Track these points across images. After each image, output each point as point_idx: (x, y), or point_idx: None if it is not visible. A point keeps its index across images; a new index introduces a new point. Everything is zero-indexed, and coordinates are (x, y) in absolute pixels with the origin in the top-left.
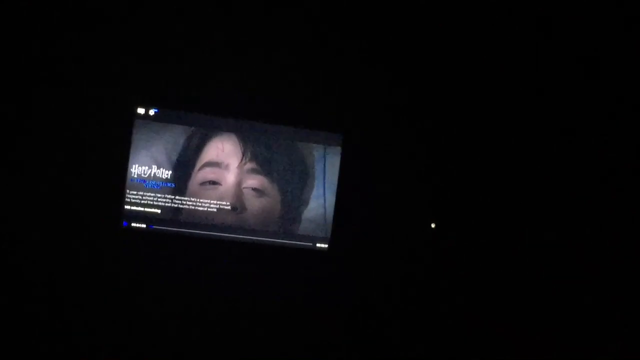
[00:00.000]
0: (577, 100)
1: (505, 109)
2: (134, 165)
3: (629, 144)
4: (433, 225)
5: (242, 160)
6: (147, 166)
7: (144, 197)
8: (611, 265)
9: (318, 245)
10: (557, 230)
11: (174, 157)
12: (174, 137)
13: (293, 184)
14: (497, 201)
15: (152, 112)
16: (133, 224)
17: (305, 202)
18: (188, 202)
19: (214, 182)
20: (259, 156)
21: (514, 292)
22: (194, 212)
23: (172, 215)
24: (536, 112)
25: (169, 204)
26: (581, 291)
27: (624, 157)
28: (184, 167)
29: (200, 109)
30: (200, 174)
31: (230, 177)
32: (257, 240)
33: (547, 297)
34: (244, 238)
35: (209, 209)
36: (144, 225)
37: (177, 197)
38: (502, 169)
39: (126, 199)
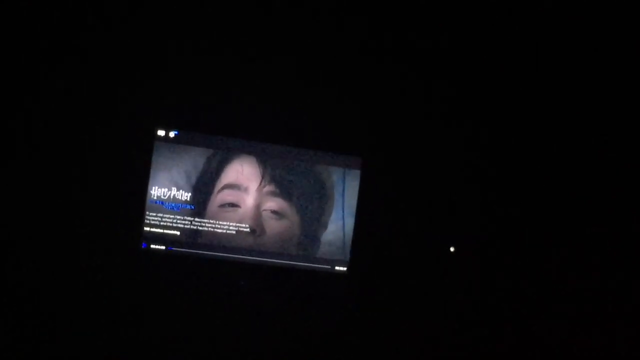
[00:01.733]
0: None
1: (526, 130)
2: (153, 187)
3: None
4: (452, 249)
5: (261, 182)
6: (166, 188)
7: (163, 219)
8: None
9: (337, 268)
10: (577, 252)
11: (194, 179)
12: (194, 159)
13: (312, 207)
14: (517, 226)
15: (172, 134)
16: (152, 246)
17: (324, 225)
18: (207, 224)
19: (233, 205)
20: (278, 179)
21: (536, 316)
22: (212, 234)
23: (191, 237)
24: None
25: (188, 226)
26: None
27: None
28: (203, 189)
29: (220, 132)
30: (220, 196)
31: (249, 200)
32: (275, 262)
33: (571, 324)
34: (262, 260)
35: (228, 231)
36: (163, 247)
37: (196, 219)
38: (520, 192)
39: (146, 221)
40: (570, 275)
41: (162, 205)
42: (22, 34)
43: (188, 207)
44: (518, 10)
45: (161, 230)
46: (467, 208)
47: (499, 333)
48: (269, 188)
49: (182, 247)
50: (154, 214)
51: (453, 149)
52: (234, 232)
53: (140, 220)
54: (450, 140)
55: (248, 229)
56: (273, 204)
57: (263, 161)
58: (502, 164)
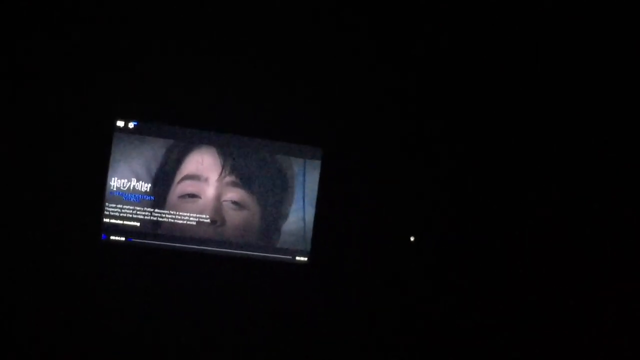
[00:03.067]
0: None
1: (484, 119)
2: (113, 178)
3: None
4: (412, 239)
5: (221, 173)
6: (126, 179)
7: (122, 210)
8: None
9: (298, 258)
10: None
11: (154, 170)
12: (154, 150)
13: (273, 197)
14: (477, 214)
15: (131, 124)
16: (112, 237)
17: (284, 216)
18: (167, 215)
19: (193, 195)
20: (239, 169)
21: (500, 301)
22: (173, 225)
23: (151, 228)
24: (524, 116)
25: (148, 217)
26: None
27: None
28: (163, 180)
29: (180, 122)
30: (180, 187)
31: (209, 190)
32: (236, 253)
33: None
34: (223, 251)
35: (188, 222)
36: (122, 238)
37: (156, 210)
38: (482, 181)
39: (105, 212)
40: (533, 258)
41: (122, 196)
42: None
43: (148, 198)
44: None
45: (121, 222)
46: (427, 197)
47: (459, 320)
48: (229, 179)
49: (142, 239)
50: (114, 205)
51: (413, 139)
52: (194, 222)
53: (99, 211)
54: (410, 129)
55: (208, 220)
56: (234, 194)
57: (223, 152)
58: (462, 152)
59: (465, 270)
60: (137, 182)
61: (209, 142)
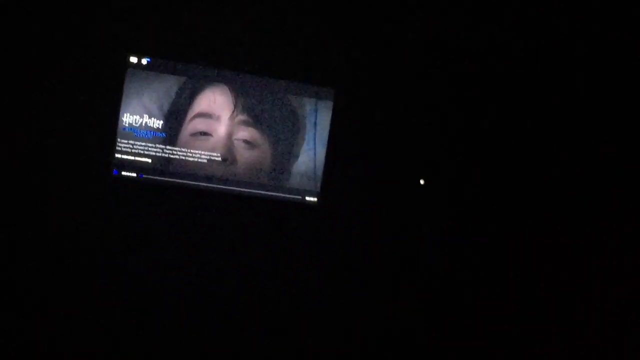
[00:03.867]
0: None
1: (498, 75)
2: (125, 114)
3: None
4: (422, 182)
5: (233, 112)
6: (138, 115)
7: (134, 146)
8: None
9: (307, 198)
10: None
11: (166, 107)
12: (166, 87)
13: (284, 137)
14: (489, 159)
15: (144, 61)
16: (123, 173)
17: (295, 156)
18: (179, 152)
19: (204, 133)
20: (251, 108)
21: (504, 252)
22: (184, 163)
23: (163, 164)
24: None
25: (160, 154)
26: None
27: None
28: (175, 118)
29: (193, 60)
30: (192, 125)
31: (221, 129)
32: (246, 192)
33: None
34: (233, 189)
35: (199, 160)
36: (134, 174)
37: (167, 147)
38: (493, 126)
39: (117, 148)
40: (544, 214)
41: (134, 132)
42: None
43: (160, 134)
44: None
45: (132, 158)
46: (437, 140)
47: (468, 267)
48: (241, 117)
49: (153, 175)
50: (126, 141)
51: (426, 82)
52: (205, 160)
53: (111, 147)
54: (423, 73)
55: (219, 158)
56: (245, 133)
57: (235, 90)
58: (476, 98)
59: (473, 218)
60: (149, 118)
61: (221, 81)
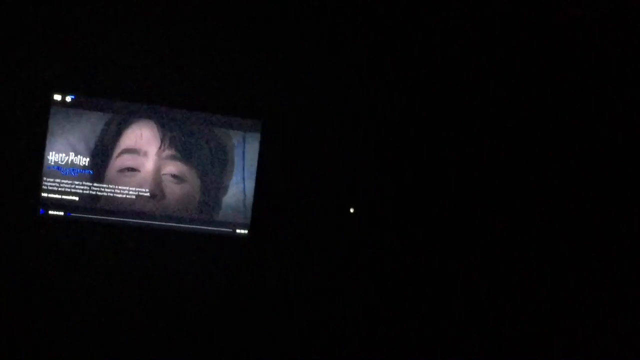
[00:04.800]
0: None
1: (423, 85)
2: (50, 152)
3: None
4: (352, 210)
5: (160, 146)
6: (64, 153)
7: (61, 185)
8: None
9: (238, 231)
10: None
11: (92, 144)
12: (92, 124)
13: (212, 170)
14: (414, 185)
15: (69, 98)
16: (50, 212)
17: (224, 188)
18: (106, 189)
19: (132, 169)
20: (178, 143)
21: (434, 273)
22: (112, 199)
23: (90, 202)
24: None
25: (87, 191)
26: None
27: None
28: (102, 154)
29: (117, 96)
30: (119, 161)
31: (148, 164)
32: (177, 226)
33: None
34: (163, 225)
35: (127, 196)
36: (61, 213)
37: (95, 184)
38: (422, 152)
39: (43, 187)
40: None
41: (60, 170)
42: None
43: (86, 172)
44: None
45: (59, 196)
46: (365, 169)
47: (400, 291)
48: (168, 152)
49: (81, 213)
50: (52, 180)
51: (352, 111)
52: (133, 196)
53: (37, 186)
54: (348, 102)
55: (148, 194)
56: (173, 167)
57: (162, 125)
58: (403, 125)
59: (405, 241)
60: (75, 156)
61: (147, 116)
